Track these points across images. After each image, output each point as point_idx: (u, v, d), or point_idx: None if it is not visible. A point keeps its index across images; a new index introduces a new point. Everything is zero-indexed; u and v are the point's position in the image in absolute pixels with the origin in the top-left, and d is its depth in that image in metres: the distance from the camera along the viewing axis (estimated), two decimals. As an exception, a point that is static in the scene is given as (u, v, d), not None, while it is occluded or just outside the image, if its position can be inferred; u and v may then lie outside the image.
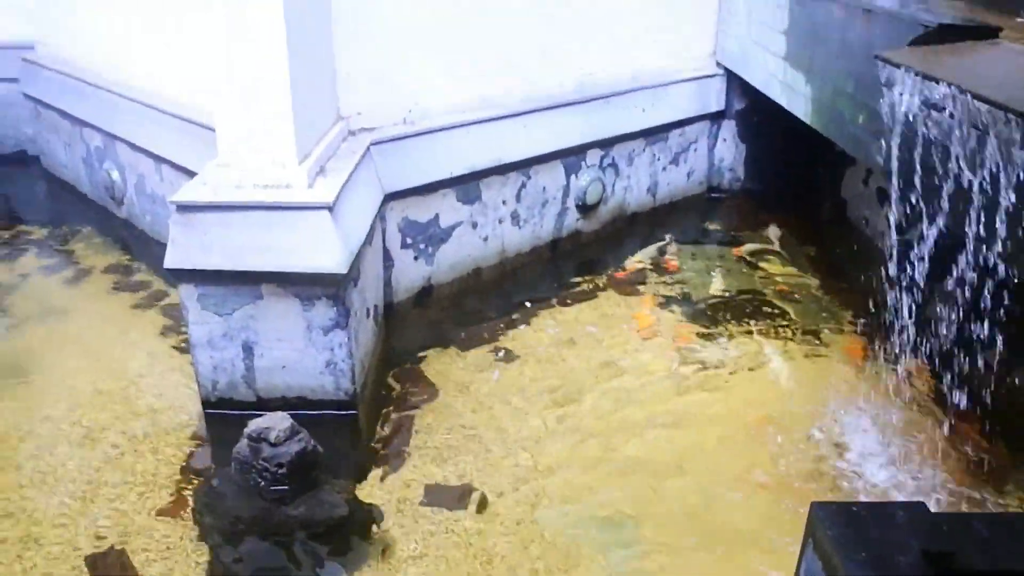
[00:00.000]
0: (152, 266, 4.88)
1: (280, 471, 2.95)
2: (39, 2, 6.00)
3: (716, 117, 5.58)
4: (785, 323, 4.33)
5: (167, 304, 4.51)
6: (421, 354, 4.05)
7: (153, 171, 4.69)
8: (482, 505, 3.12)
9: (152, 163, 4.68)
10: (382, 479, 3.27)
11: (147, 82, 4.77)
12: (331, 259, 3.14)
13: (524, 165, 4.54)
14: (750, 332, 4.26)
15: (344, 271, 3.14)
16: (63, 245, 5.32)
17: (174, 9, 4.28)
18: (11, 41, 6.28)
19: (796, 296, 4.59)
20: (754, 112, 5.51)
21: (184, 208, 3.24)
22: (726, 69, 5.41)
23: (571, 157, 4.79)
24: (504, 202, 4.52)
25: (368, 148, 3.84)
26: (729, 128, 5.65)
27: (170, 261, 3.25)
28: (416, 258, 4.21)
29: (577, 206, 4.93)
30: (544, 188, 4.70)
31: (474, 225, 4.41)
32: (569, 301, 4.55)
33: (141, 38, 4.79)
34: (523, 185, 4.58)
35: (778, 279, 4.79)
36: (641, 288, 4.70)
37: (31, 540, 2.97)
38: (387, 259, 4.05)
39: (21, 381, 3.88)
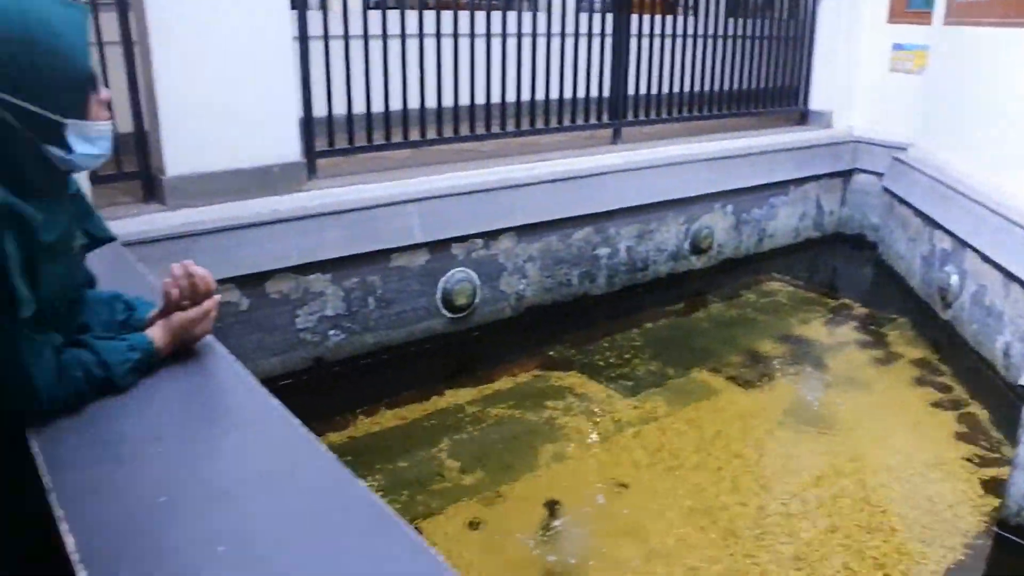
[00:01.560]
0: (960, 374, 4.96)
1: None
2: (918, 109, 6.54)
3: None
4: None
5: (965, 412, 4.55)
6: None
7: (1000, 286, 4.74)
8: None
9: (1001, 279, 4.73)
10: None
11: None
12: None
13: None
14: None
15: None
16: (879, 327, 5.74)
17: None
18: (887, 140, 7.03)
19: None
20: None
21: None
22: None
23: None
24: None
25: None
26: None
27: (1028, 379, 3.30)
28: None
29: None
30: None
31: None
32: None
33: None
34: None
35: None
36: None
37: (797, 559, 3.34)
38: None
39: (821, 430, 4.36)
